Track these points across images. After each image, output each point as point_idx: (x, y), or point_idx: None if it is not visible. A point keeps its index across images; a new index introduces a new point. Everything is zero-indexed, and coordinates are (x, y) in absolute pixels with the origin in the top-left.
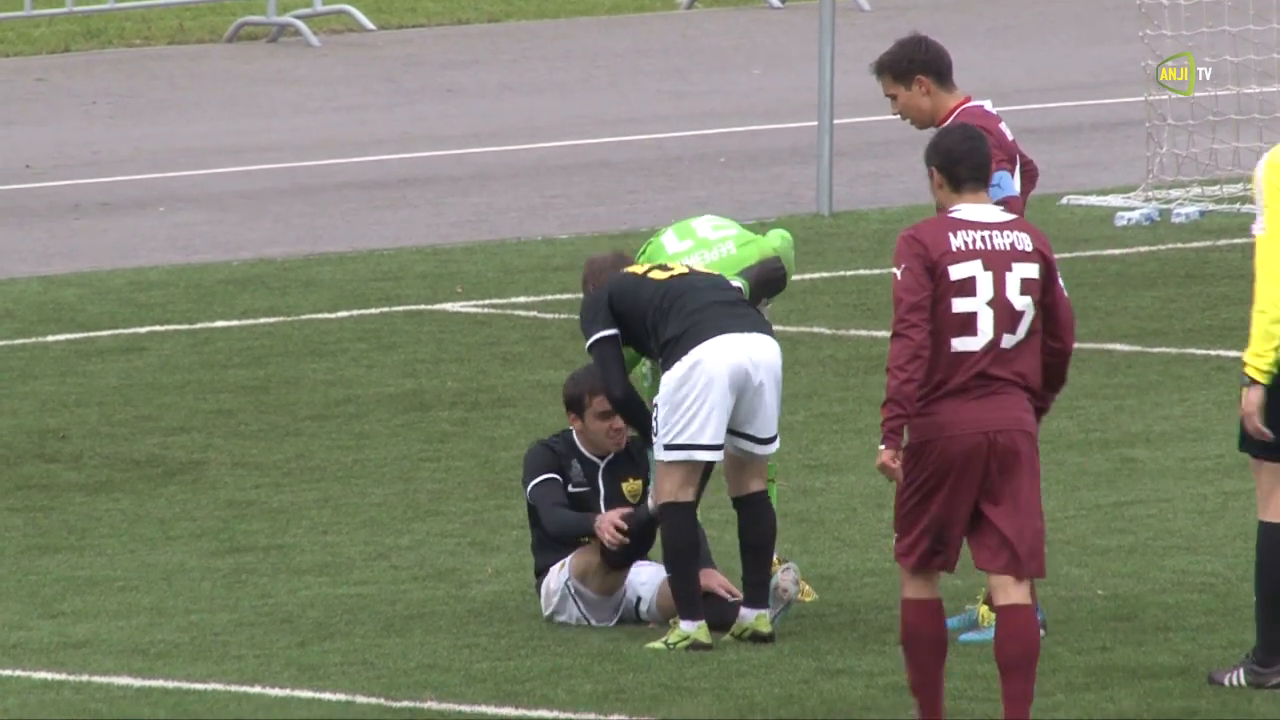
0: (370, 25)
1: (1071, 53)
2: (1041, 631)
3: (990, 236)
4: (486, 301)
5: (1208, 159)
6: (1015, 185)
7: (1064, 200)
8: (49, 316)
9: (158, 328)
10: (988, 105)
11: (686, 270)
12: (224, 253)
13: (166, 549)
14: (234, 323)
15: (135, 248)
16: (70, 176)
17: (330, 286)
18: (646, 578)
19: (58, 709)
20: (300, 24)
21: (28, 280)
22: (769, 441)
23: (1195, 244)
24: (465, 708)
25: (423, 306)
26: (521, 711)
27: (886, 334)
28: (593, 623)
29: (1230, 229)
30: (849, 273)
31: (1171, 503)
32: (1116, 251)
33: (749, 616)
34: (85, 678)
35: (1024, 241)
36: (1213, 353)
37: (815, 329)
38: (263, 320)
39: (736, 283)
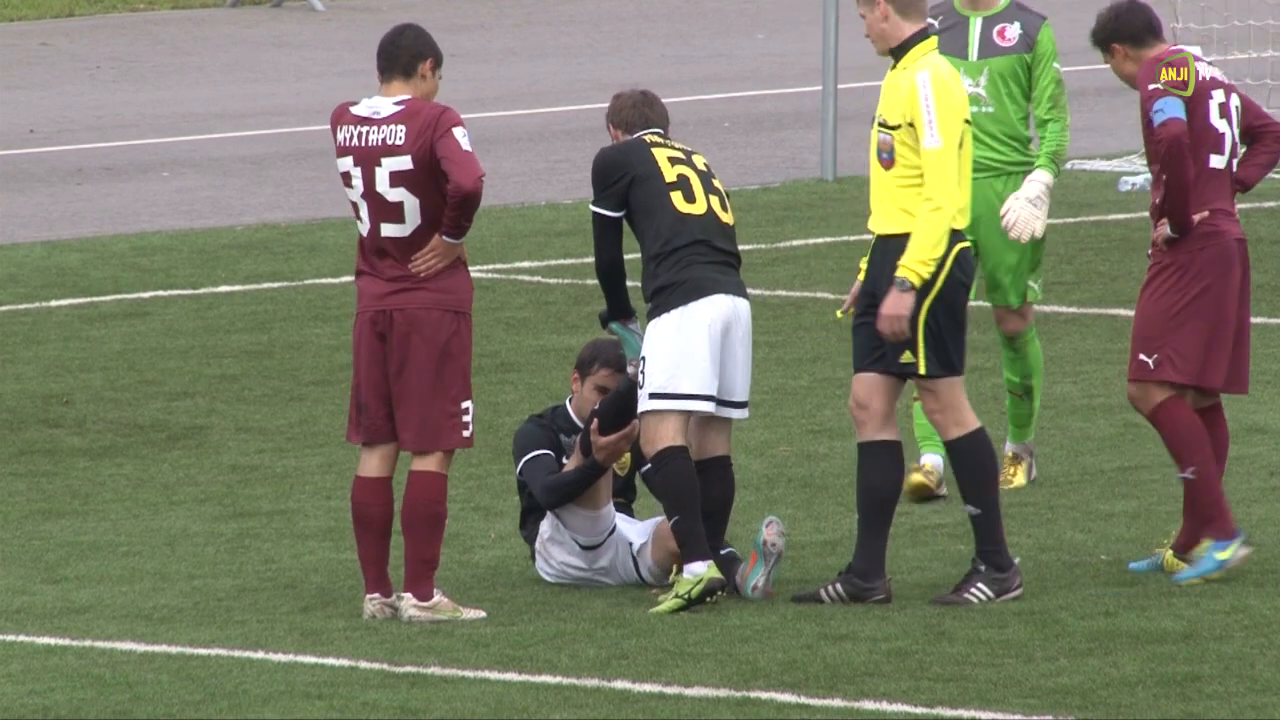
0: None
1: (1077, 16)
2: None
3: (365, 133)
4: (490, 266)
5: None
6: (1180, 110)
7: (1068, 165)
8: (53, 281)
9: (161, 293)
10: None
11: (705, 211)
12: (227, 217)
13: (170, 514)
14: (237, 288)
15: (138, 212)
16: (74, 141)
17: (334, 251)
18: (639, 529)
19: (61, 674)
20: None
21: (31, 245)
22: (742, 405)
23: None
24: (468, 673)
25: None
26: (525, 677)
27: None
28: (580, 543)
29: None
30: (853, 237)
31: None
32: (1120, 216)
33: (700, 569)
34: (88, 643)
35: (397, 135)
36: None
37: (819, 294)
38: (266, 285)
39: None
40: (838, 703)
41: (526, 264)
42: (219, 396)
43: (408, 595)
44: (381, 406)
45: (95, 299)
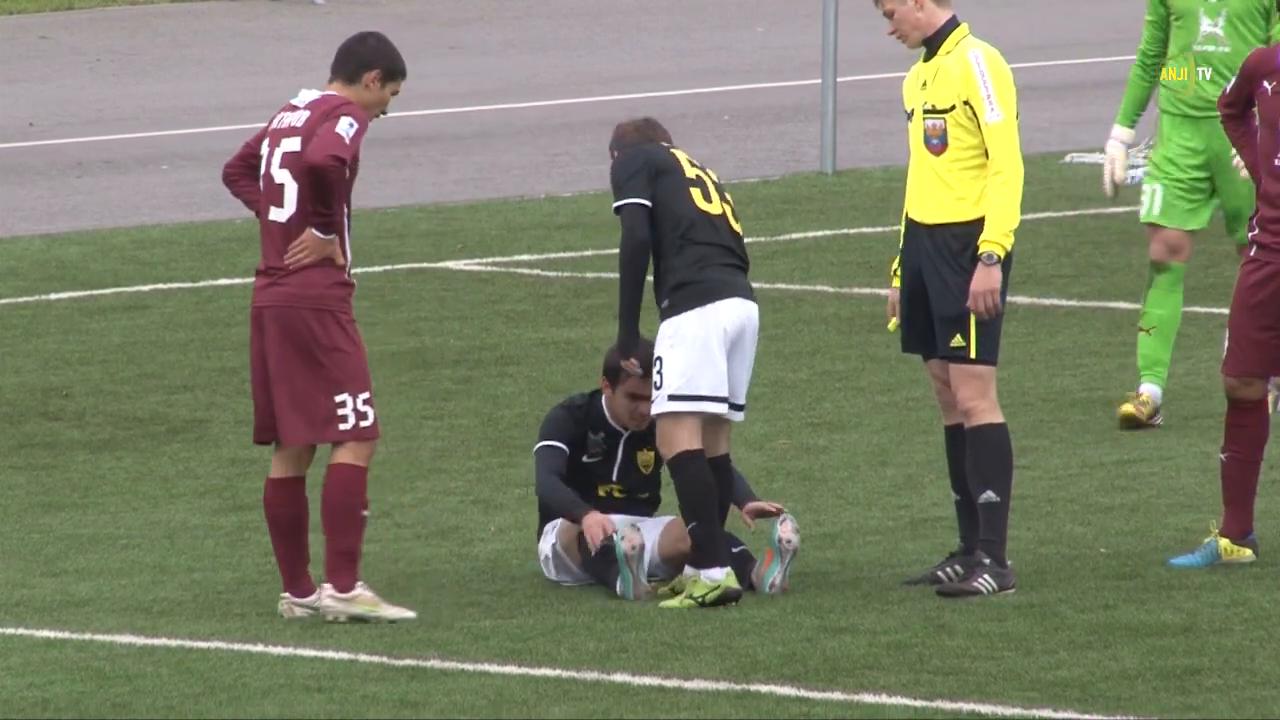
0: None
1: (1075, 9)
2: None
3: (283, 117)
4: (489, 259)
5: None
6: None
7: (1067, 158)
8: (52, 274)
9: (161, 286)
10: None
11: (720, 214)
12: (227, 210)
13: (169, 507)
14: (237, 281)
15: (138, 205)
16: (73, 134)
17: None
18: (648, 527)
19: (60, 667)
20: None
21: (31, 238)
22: (741, 408)
23: None
24: (468, 666)
25: (426, 265)
26: (524, 669)
27: (890, 292)
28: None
29: None
30: (852, 231)
31: (1174, 461)
32: (1119, 209)
33: (700, 575)
34: (88, 636)
35: (300, 119)
36: (1215, 311)
37: (818, 287)
38: None
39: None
40: (837, 696)
41: (525, 257)
42: (219, 390)
43: (327, 585)
44: (264, 403)
45: (95, 292)
